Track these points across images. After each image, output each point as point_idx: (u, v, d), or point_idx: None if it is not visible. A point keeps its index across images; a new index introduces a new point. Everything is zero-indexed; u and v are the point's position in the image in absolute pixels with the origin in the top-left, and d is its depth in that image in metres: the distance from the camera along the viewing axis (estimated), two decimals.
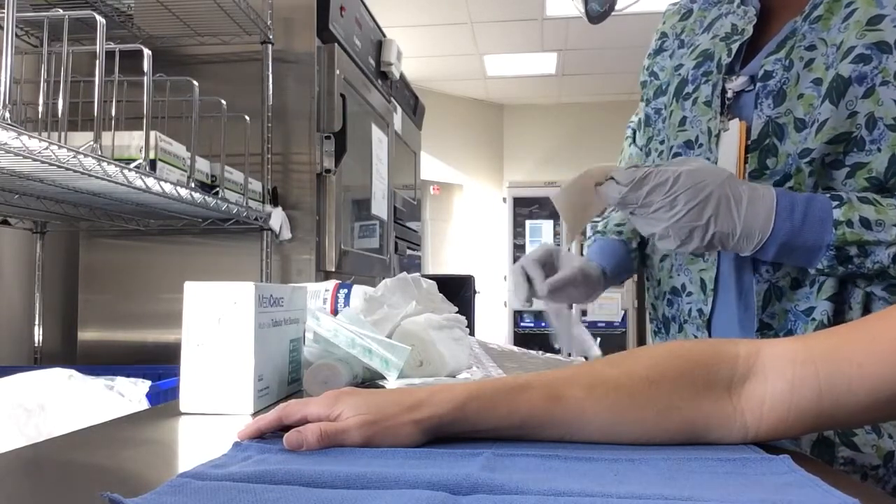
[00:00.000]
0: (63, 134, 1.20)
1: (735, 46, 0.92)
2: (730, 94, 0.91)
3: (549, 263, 1.06)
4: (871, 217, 0.76)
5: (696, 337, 0.94)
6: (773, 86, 0.85)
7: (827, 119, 0.80)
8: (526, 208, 6.21)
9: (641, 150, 1.09)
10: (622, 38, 4.87)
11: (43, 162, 1.00)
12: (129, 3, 1.80)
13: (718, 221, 0.78)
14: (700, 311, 0.93)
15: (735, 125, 0.89)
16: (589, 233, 1.21)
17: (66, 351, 1.99)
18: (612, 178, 0.83)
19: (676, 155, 0.98)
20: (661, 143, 1.01)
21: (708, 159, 0.92)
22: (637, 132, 1.15)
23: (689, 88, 0.96)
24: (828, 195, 0.79)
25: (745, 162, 0.87)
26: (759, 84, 0.86)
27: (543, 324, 6.18)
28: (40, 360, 1.89)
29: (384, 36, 2.59)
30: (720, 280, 0.92)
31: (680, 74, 0.98)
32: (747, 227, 0.78)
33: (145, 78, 1.27)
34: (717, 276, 0.92)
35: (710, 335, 0.93)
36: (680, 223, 0.79)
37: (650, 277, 1.07)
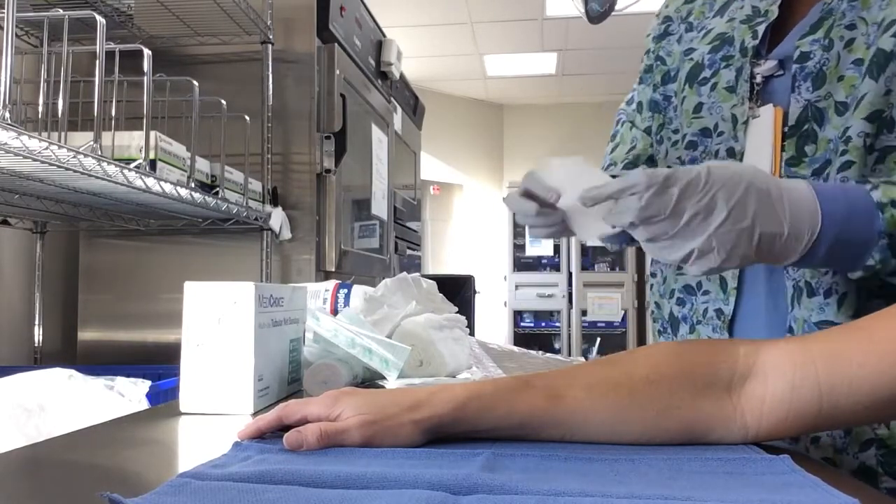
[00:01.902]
0: (63, 134, 1.20)
1: (761, 29, 0.86)
2: (758, 80, 0.86)
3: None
4: None
5: (709, 339, 0.89)
6: (811, 67, 0.80)
7: (866, 94, 0.75)
8: None
9: (651, 136, 1.02)
10: (622, 38, 4.87)
11: (43, 162, 1.00)
12: (129, 3, 1.80)
13: (763, 220, 0.65)
14: (719, 311, 0.88)
15: (769, 111, 0.83)
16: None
17: (66, 351, 1.99)
18: (618, 190, 0.68)
19: (691, 144, 0.92)
20: (675, 132, 0.96)
21: (732, 149, 0.87)
22: (639, 115, 1.07)
23: (707, 73, 0.91)
24: (854, 182, 0.73)
25: (783, 150, 0.82)
26: (795, 66, 0.81)
27: (543, 324, 6.18)
28: (40, 360, 1.89)
29: (384, 36, 2.59)
30: (745, 278, 0.86)
31: (692, 59, 0.93)
32: (795, 224, 0.66)
33: (145, 78, 1.27)
34: (742, 273, 0.86)
35: (731, 337, 0.87)
36: (723, 229, 0.65)
37: (655, 274, 1.02)
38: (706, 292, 0.90)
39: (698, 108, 0.92)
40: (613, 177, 0.80)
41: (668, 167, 0.87)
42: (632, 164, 1.05)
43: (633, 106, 1.09)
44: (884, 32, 0.76)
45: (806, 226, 0.67)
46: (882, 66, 0.75)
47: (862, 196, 0.69)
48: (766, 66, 0.86)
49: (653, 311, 1.04)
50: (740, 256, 0.66)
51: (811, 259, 0.69)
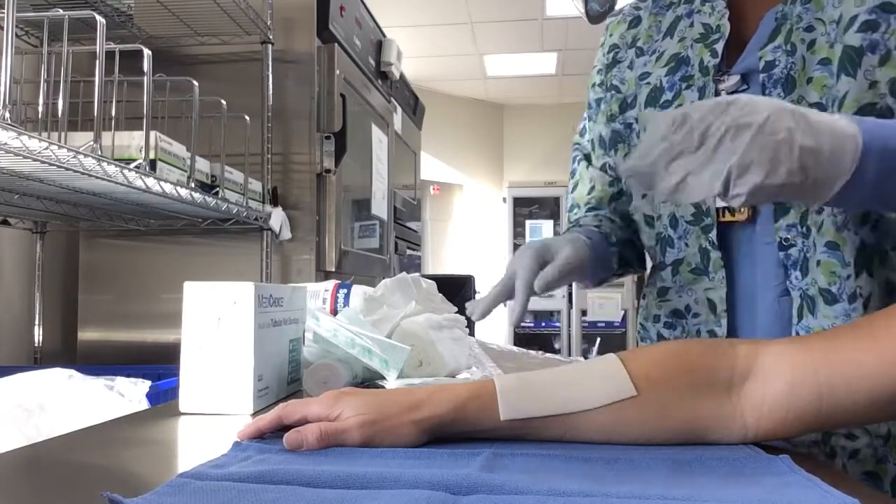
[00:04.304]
0: (63, 134, 1.20)
1: (719, 47, 0.87)
2: (723, 96, 0.84)
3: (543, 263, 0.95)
4: None
5: (709, 339, 0.88)
6: (779, 74, 0.80)
7: (847, 91, 0.75)
8: (526, 208, 6.22)
9: (607, 172, 1.02)
10: None
11: (43, 162, 1.00)
12: (129, 3, 1.80)
13: (801, 134, 0.61)
14: (712, 332, 0.87)
15: None
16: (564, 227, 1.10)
17: (66, 351, 1.99)
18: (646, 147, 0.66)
19: None
20: None
21: None
22: (593, 152, 1.05)
23: (668, 96, 0.90)
24: None
25: None
26: (762, 76, 0.82)
27: (543, 324, 6.18)
28: (40, 360, 1.89)
29: (384, 36, 2.59)
30: (737, 299, 0.85)
31: (649, 83, 0.92)
32: (836, 138, 0.62)
33: (145, 78, 1.27)
34: (733, 296, 0.85)
35: None
36: (759, 140, 0.60)
37: (645, 296, 1.00)
38: (696, 315, 0.90)
39: None
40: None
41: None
42: (594, 208, 1.06)
43: (587, 137, 1.07)
44: (847, 29, 0.76)
45: (848, 139, 0.62)
46: (856, 63, 0.75)
47: None
48: (730, 82, 0.85)
49: (639, 331, 1.02)
50: (785, 171, 0.61)
51: (860, 184, 0.62)
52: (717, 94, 0.86)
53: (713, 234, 0.86)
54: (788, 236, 0.81)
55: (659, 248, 0.93)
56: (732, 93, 0.85)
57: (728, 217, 0.86)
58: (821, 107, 0.78)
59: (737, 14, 0.87)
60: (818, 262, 0.79)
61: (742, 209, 0.84)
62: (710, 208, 0.87)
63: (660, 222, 0.93)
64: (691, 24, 0.91)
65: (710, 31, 0.88)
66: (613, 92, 0.98)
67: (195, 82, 1.48)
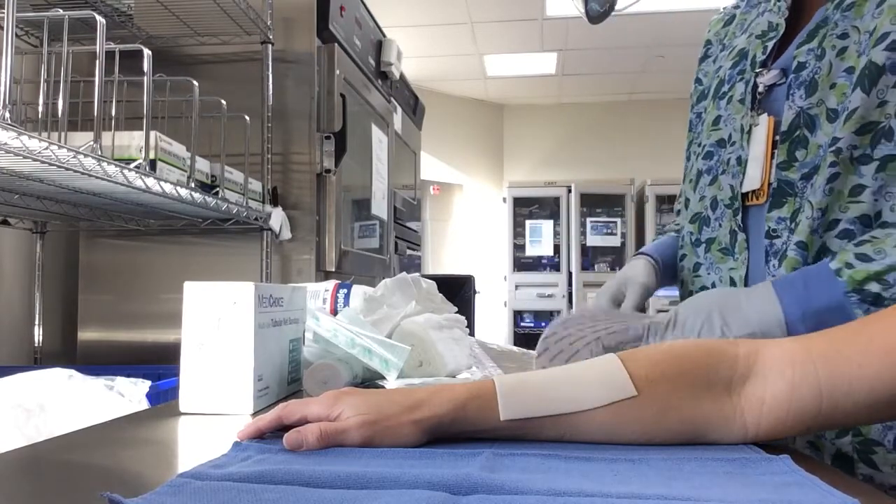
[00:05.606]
0: (63, 134, 1.20)
1: (770, 44, 0.91)
2: (761, 89, 0.90)
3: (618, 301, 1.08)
4: (867, 251, 0.73)
5: (709, 339, 0.92)
6: (805, 76, 0.83)
7: (857, 108, 0.77)
8: (526, 208, 6.22)
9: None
10: (622, 38, 4.87)
11: (43, 162, 1.00)
12: (129, 3, 1.81)
13: (734, 327, 0.76)
14: None
15: (764, 120, 0.88)
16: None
17: (66, 351, 1.99)
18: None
19: (708, 154, 0.97)
20: (700, 145, 1.01)
21: (740, 157, 0.91)
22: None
23: (726, 88, 0.96)
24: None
25: (772, 157, 0.86)
26: (791, 76, 0.84)
27: (543, 324, 6.18)
28: (40, 360, 1.89)
29: (384, 36, 2.59)
30: (750, 279, 0.89)
31: (719, 76, 0.99)
32: (763, 321, 0.75)
33: (145, 78, 1.27)
34: (747, 276, 0.90)
35: None
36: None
37: (681, 279, 1.07)
38: None
39: (717, 120, 0.97)
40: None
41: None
42: None
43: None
44: (876, 44, 0.77)
45: (772, 318, 0.75)
46: (874, 80, 0.77)
47: (821, 268, 0.75)
48: (769, 75, 0.89)
49: None
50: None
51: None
52: (755, 86, 0.91)
53: (739, 217, 0.91)
54: (777, 228, 0.85)
55: (696, 226, 1.00)
56: (770, 86, 0.89)
57: (753, 201, 0.90)
58: (836, 113, 0.80)
59: (798, 12, 0.91)
60: (786, 257, 0.83)
61: (761, 192, 0.88)
62: (738, 192, 0.91)
63: (701, 203, 0.99)
64: (759, 23, 0.96)
65: (771, 27, 0.93)
66: (696, 84, 1.07)
67: (195, 82, 1.49)
